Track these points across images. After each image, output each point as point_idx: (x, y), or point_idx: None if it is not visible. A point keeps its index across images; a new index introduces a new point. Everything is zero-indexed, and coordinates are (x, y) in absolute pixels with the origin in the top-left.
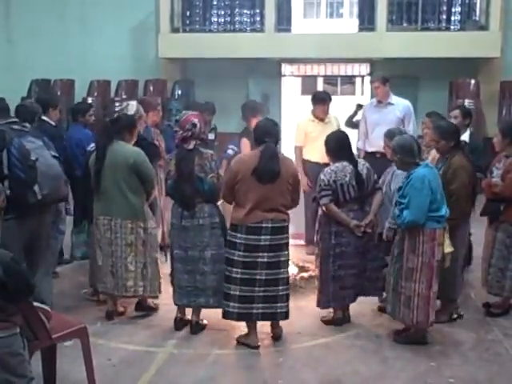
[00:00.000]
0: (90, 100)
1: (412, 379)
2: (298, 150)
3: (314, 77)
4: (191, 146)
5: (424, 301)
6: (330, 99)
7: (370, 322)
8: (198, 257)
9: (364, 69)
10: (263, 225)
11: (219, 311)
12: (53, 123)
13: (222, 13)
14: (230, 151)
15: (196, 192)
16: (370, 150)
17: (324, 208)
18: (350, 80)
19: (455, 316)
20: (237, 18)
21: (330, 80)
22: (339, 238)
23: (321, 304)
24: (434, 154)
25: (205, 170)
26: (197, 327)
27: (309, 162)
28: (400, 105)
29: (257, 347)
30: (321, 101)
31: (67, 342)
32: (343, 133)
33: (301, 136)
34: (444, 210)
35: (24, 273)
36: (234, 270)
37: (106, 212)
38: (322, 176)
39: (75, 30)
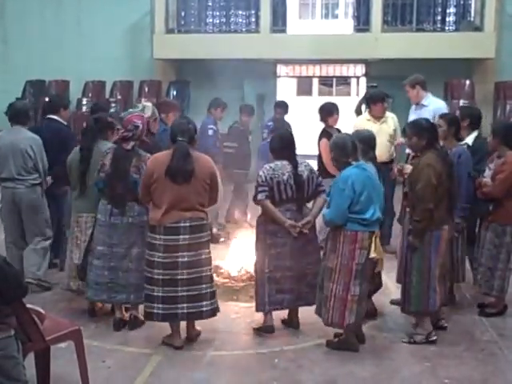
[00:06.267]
0: (84, 101)
1: (407, 380)
2: None
3: (310, 77)
4: (129, 147)
5: (340, 303)
6: (388, 97)
7: (364, 322)
8: (124, 254)
9: (359, 69)
10: (181, 224)
11: None
12: (65, 123)
13: (218, 14)
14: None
15: (128, 191)
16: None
17: (259, 204)
18: (345, 81)
19: (434, 337)
20: (232, 19)
21: (325, 81)
22: (275, 238)
23: (257, 307)
24: None
25: (140, 172)
26: (135, 323)
27: None
28: (432, 106)
29: (180, 348)
30: (377, 100)
31: (61, 344)
32: (288, 132)
33: None
34: (370, 214)
35: (16, 274)
36: (156, 271)
37: (90, 210)
38: (260, 172)
39: (70, 30)
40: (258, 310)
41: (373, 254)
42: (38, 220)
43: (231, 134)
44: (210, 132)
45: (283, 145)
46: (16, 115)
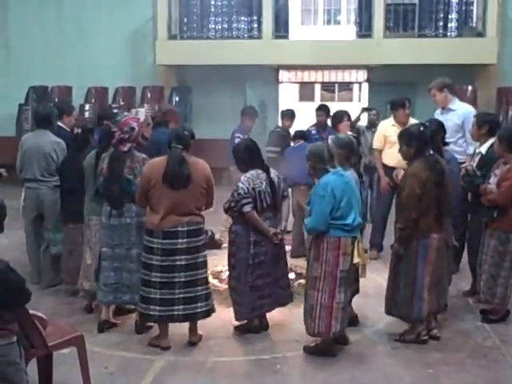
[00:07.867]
0: (87, 107)
1: None
2: (376, 153)
3: (312, 83)
4: (126, 149)
5: (326, 311)
6: (410, 103)
7: (368, 328)
8: (125, 255)
9: (361, 75)
10: (179, 229)
11: (216, 320)
12: (67, 129)
13: (220, 20)
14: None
15: (123, 192)
16: None
17: (247, 216)
18: (347, 86)
19: (424, 337)
20: (234, 25)
21: (327, 86)
22: (258, 248)
23: (240, 316)
24: None
25: (134, 173)
26: (141, 327)
27: (386, 167)
28: (460, 110)
29: (168, 348)
30: (400, 105)
31: (64, 350)
32: (252, 141)
33: (379, 139)
34: (351, 219)
35: (19, 279)
36: (153, 274)
37: (98, 212)
38: (240, 184)
39: (72, 36)
40: (238, 319)
41: (356, 260)
42: (56, 217)
43: (272, 138)
44: (236, 140)
45: (253, 154)
46: (40, 119)
